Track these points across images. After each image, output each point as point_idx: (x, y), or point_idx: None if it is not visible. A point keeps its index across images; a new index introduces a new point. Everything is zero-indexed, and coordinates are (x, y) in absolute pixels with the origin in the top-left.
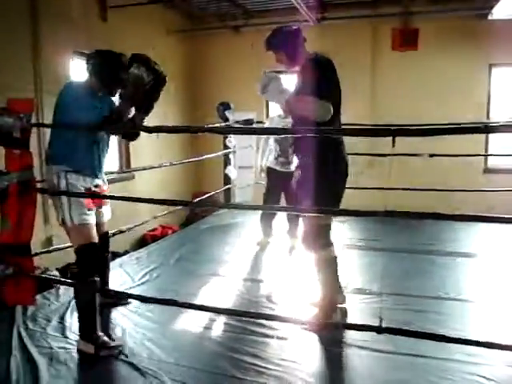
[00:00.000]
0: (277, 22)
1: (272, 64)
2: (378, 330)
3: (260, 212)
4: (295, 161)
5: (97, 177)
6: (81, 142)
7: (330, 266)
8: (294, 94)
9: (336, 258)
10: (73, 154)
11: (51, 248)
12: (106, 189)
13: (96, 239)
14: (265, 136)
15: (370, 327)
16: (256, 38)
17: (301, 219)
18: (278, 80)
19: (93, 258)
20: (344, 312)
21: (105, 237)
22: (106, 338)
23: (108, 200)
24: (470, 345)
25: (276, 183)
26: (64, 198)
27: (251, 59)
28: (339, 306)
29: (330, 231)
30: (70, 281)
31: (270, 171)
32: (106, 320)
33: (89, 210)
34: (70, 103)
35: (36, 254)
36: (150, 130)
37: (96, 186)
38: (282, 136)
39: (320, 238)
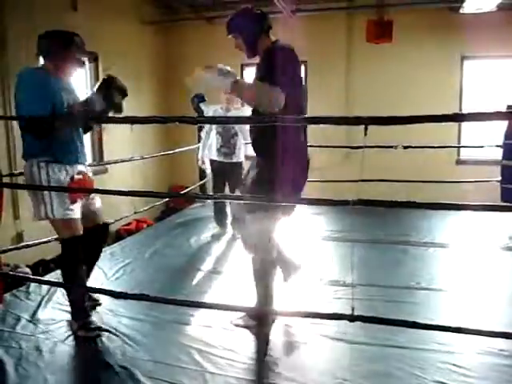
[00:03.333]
0: None
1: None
2: (351, 318)
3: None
4: (240, 152)
5: (79, 163)
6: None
7: (268, 270)
8: (242, 82)
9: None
10: (51, 144)
11: (20, 245)
12: (90, 175)
13: (80, 232)
14: (207, 128)
15: (343, 316)
16: None
17: (247, 217)
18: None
19: (76, 251)
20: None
21: (102, 227)
22: (90, 320)
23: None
24: (438, 330)
25: (220, 174)
26: (46, 193)
27: (225, 51)
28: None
29: (273, 235)
30: (42, 278)
31: (212, 162)
32: None
33: (73, 202)
34: (26, 97)
35: (4, 252)
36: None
37: (79, 173)
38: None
39: (264, 242)
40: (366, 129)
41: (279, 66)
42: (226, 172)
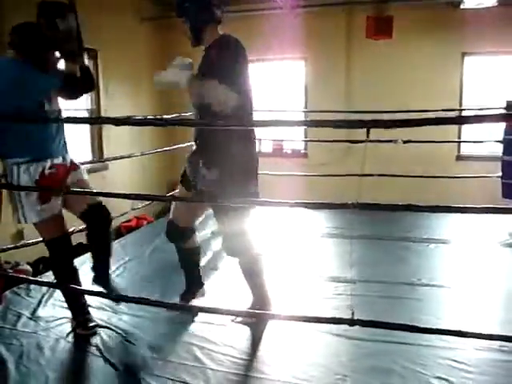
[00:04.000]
0: (253, 9)
1: (248, 52)
2: (351, 322)
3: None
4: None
5: (52, 156)
6: (21, 127)
7: (257, 267)
8: (195, 78)
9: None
10: (18, 143)
11: (19, 244)
12: (72, 166)
13: (65, 229)
14: None
15: (342, 320)
16: (230, 26)
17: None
18: (181, 60)
19: (61, 252)
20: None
21: (96, 210)
22: (88, 317)
23: (77, 165)
24: (442, 334)
25: None
26: (16, 198)
27: None
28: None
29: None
30: (40, 280)
31: None
32: None
33: (44, 202)
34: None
35: (4, 250)
36: (118, 122)
37: (51, 168)
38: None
39: (245, 239)
40: (368, 132)
41: (231, 60)
42: None
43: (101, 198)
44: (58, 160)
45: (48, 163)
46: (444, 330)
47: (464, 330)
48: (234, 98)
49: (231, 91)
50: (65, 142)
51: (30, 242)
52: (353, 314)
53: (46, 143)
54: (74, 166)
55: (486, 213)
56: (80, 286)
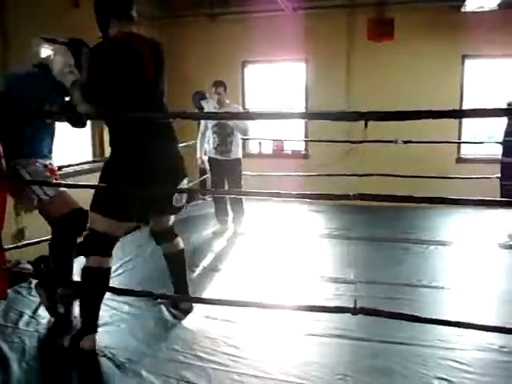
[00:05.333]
0: (253, 10)
1: (250, 53)
2: (353, 311)
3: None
4: (237, 149)
5: (49, 157)
6: (27, 130)
7: (97, 278)
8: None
9: (108, 271)
10: (28, 144)
11: (21, 244)
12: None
13: (71, 207)
14: (202, 128)
15: (346, 308)
16: (232, 27)
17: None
18: (66, 54)
19: (82, 223)
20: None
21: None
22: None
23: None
24: (441, 324)
25: (218, 172)
26: (28, 189)
27: (227, 48)
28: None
29: (108, 243)
30: (40, 274)
31: (211, 161)
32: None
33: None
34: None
35: (7, 250)
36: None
37: (46, 166)
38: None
39: (95, 246)
40: (366, 124)
41: (98, 67)
42: (224, 170)
43: None
44: (50, 160)
45: (48, 161)
46: (443, 321)
47: (463, 321)
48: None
49: (83, 100)
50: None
51: (32, 241)
52: (355, 302)
53: (48, 146)
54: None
55: (481, 205)
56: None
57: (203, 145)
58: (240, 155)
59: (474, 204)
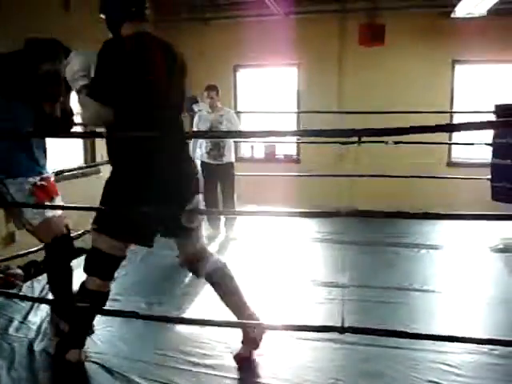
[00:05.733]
0: (246, 15)
1: (242, 58)
2: (341, 330)
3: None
4: (229, 153)
5: (41, 172)
6: (11, 146)
7: (93, 300)
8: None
9: (106, 295)
10: (8, 160)
11: (13, 255)
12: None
13: (64, 230)
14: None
15: (332, 328)
16: (224, 31)
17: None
18: (78, 59)
19: (66, 249)
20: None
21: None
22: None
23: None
24: (430, 339)
25: (211, 176)
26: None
27: (219, 52)
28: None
29: (116, 266)
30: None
31: (203, 166)
32: None
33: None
34: None
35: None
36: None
37: (42, 180)
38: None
39: (98, 266)
40: (359, 139)
41: (103, 69)
42: (217, 174)
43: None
44: (45, 172)
45: (38, 178)
46: (433, 336)
47: (453, 335)
48: (96, 112)
49: (92, 103)
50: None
51: (22, 252)
52: (343, 321)
53: (35, 161)
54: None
55: (473, 219)
56: (72, 289)
57: (195, 149)
58: (233, 159)
59: (464, 219)
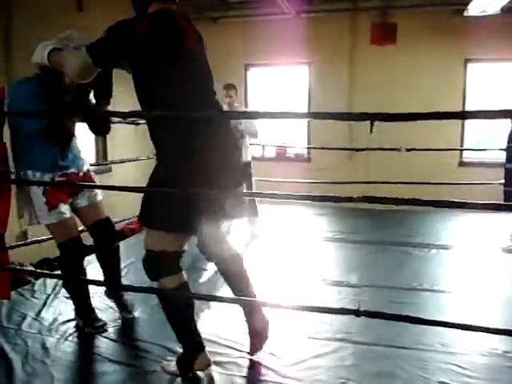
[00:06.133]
0: (256, 14)
1: (253, 57)
2: (357, 313)
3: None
4: (246, 152)
5: (61, 169)
6: (31, 138)
7: (176, 300)
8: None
9: (186, 286)
10: (27, 152)
11: (26, 241)
12: (85, 174)
13: (76, 232)
14: None
15: (349, 310)
16: (235, 30)
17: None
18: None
19: (71, 255)
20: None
21: (103, 224)
22: (95, 316)
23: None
24: (444, 326)
25: None
26: (28, 201)
27: (230, 51)
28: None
29: (178, 259)
30: (48, 272)
31: None
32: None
33: (52, 208)
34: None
35: (11, 248)
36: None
37: (62, 176)
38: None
39: (163, 266)
40: (371, 124)
41: (117, 38)
42: None
43: (105, 201)
44: (72, 169)
45: (58, 173)
46: (446, 323)
47: (468, 324)
48: (85, 63)
49: (85, 56)
50: (79, 157)
51: (36, 239)
52: (359, 305)
53: (54, 157)
54: (88, 177)
55: (486, 209)
56: (87, 286)
57: None
58: (250, 158)
59: (476, 208)
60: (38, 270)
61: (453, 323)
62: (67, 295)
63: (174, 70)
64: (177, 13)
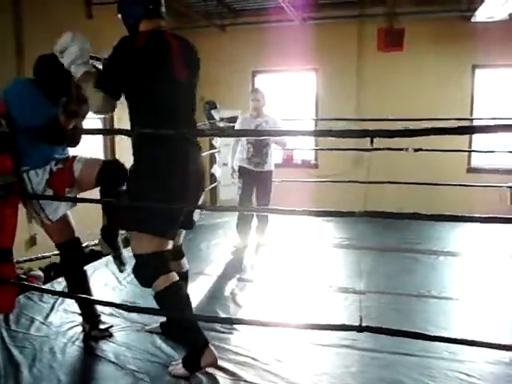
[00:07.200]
0: (263, 21)
1: (260, 63)
2: (359, 329)
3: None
4: (271, 161)
5: (54, 158)
6: (25, 137)
7: (172, 298)
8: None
9: (178, 285)
10: (26, 151)
11: (32, 257)
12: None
13: (70, 236)
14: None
15: (351, 327)
16: (242, 37)
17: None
18: (79, 44)
19: (75, 252)
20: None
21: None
22: (100, 319)
23: (79, 155)
24: (448, 342)
25: (249, 183)
26: (35, 202)
27: (237, 58)
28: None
29: (165, 260)
30: (49, 289)
31: (243, 171)
32: None
33: (63, 195)
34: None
35: (18, 262)
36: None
37: (57, 163)
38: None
39: (154, 268)
40: (371, 141)
41: (114, 60)
42: (254, 181)
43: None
44: (62, 156)
45: (53, 163)
46: (450, 339)
47: (470, 339)
48: (101, 100)
49: (99, 93)
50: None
51: (46, 254)
52: (361, 320)
53: (52, 151)
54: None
55: (492, 222)
56: (90, 289)
57: (235, 153)
58: (273, 167)
59: (479, 222)
60: (43, 287)
61: (456, 339)
62: (72, 303)
63: (153, 90)
64: (167, 33)
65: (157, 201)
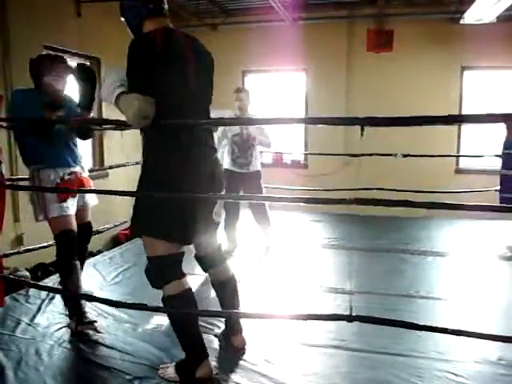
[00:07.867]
0: (254, 20)
1: (250, 63)
2: (349, 318)
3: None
4: (256, 161)
5: (70, 165)
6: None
7: (181, 304)
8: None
9: (190, 292)
10: (38, 152)
11: (22, 249)
12: (85, 175)
13: (73, 227)
14: (219, 134)
15: (341, 316)
16: (233, 37)
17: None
18: (113, 75)
19: (70, 243)
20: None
21: (86, 227)
22: (85, 314)
23: (89, 186)
24: (435, 331)
25: (235, 185)
26: (39, 196)
27: (228, 57)
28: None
29: (178, 263)
30: (41, 284)
31: (227, 173)
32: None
33: (62, 202)
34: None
35: (6, 256)
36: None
37: (70, 174)
38: (241, 138)
39: (164, 273)
40: (362, 129)
41: (134, 63)
42: (241, 183)
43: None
44: (77, 168)
45: (67, 170)
46: (438, 328)
47: (463, 330)
48: (145, 107)
49: (141, 99)
50: (79, 155)
51: (31, 247)
52: (351, 310)
53: (63, 154)
54: (86, 181)
55: (481, 210)
56: (80, 283)
57: (224, 155)
58: (259, 167)
59: (468, 209)
60: (31, 282)
61: (445, 328)
62: (60, 304)
63: (170, 89)
64: (177, 32)
65: (168, 205)
